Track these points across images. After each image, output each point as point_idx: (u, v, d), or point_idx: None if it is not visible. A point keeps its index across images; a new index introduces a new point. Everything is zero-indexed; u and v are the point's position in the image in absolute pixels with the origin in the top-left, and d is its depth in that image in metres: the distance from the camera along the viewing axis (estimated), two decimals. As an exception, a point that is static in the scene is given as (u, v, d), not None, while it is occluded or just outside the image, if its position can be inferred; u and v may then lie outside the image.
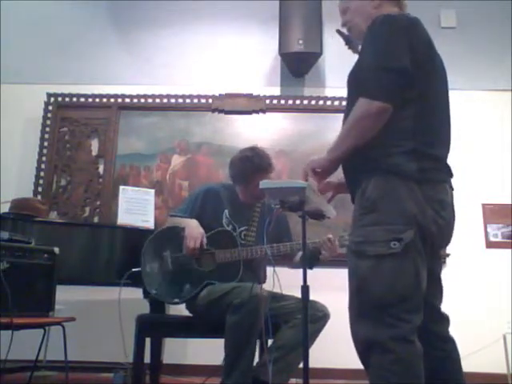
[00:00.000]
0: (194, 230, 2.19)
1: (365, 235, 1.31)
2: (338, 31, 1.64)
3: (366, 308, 1.28)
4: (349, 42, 1.62)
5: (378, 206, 1.31)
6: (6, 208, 2.66)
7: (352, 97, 1.43)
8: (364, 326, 1.27)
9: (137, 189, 3.12)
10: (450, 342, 1.43)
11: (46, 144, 3.73)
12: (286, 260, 2.31)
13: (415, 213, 1.29)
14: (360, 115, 1.34)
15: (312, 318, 1.95)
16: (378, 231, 1.29)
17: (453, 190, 1.43)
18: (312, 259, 2.13)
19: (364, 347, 1.27)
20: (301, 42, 3.52)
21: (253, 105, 3.78)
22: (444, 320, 1.45)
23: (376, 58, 1.35)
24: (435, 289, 1.43)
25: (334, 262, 2.18)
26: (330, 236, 2.16)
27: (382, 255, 1.27)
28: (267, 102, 3.79)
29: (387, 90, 1.31)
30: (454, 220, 1.43)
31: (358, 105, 1.35)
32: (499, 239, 3.53)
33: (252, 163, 2.29)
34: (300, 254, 2.27)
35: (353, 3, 1.58)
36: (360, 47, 1.56)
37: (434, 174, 1.35)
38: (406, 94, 1.33)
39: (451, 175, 1.44)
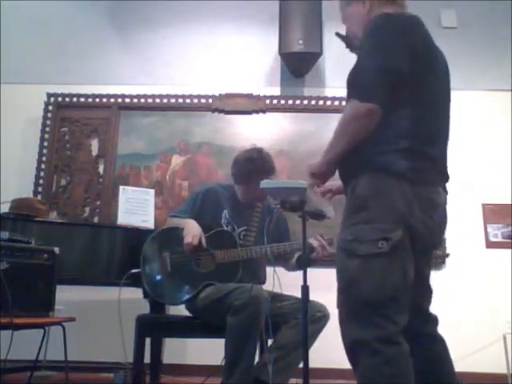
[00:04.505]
0: (192, 228, 2.19)
1: (355, 234, 1.30)
2: (337, 34, 1.64)
3: (353, 307, 1.28)
4: (349, 44, 1.62)
5: (368, 205, 1.30)
6: (6, 208, 2.66)
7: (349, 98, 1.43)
8: (351, 326, 1.27)
9: (137, 189, 3.12)
10: (439, 341, 1.42)
11: (45, 144, 3.73)
12: (281, 262, 2.31)
13: (404, 212, 1.27)
14: (349, 117, 1.34)
15: (312, 318, 1.95)
16: (367, 230, 1.28)
17: (447, 193, 1.42)
18: (307, 259, 2.13)
19: (352, 348, 1.27)
20: (301, 41, 3.52)
21: (253, 105, 3.78)
22: (431, 320, 1.44)
23: (368, 58, 1.34)
24: (423, 290, 1.43)
25: (334, 263, 2.17)
26: (321, 233, 2.18)
27: (370, 254, 1.26)
28: (267, 101, 3.79)
29: (376, 91, 1.29)
30: (445, 222, 1.42)
31: (348, 106, 1.34)
32: (499, 239, 3.53)
33: (255, 165, 2.29)
34: (296, 256, 2.28)
35: (347, 11, 1.60)
36: None
37: (426, 175, 1.34)
38: (401, 94, 1.31)
39: (447, 178, 1.43)
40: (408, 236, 1.28)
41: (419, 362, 1.28)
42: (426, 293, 1.45)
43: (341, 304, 1.32)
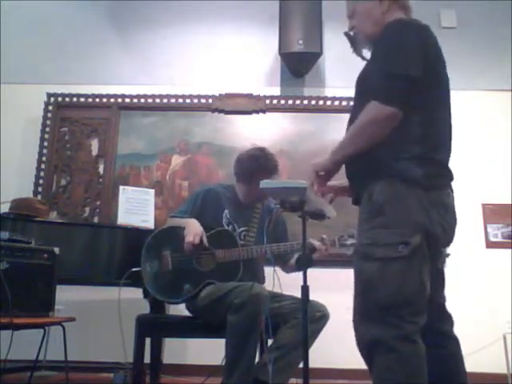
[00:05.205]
0: (194, 227, 2.20)
1: (373, 238, 1.32)
2: (346, 33, 1.62)
3: (370, 310, 1.29)
4: (354, 46, 1.61)
5: (385, 210, 1.32)
6: (6, 208, 2.66)
7: (360, 99, 1.42)
8: (368, 327, 1.28)
9: (137, 189, 3.12)
10: (453, 340, 1.44)
11: (46, 144, 3.73)
12: (279, 263, 2.32)
13: (423, 219, 1.30)
14: (370, 119, 1.34)
15: (311, 318, 1.94)
16: (386, 234, 1.30)
17: (453, 192, 1.45)
18: (307, 260, 2.14)
19: (368, 347, 1.28)
20: (301, 41, 3.52)
21: (253, 105, 3.78)
22: (448, 319, 1.47)
23: (391, 63, 1.35)
24: (439, 286, 1.45)
25: (334, 263, 2.18)
26: (324, 236, 2.18)
27: (388, 258, 1.28)
28: (267, 101, 3.78)
29: (400, 96, 1.31)
30: (456, 223, 1.44)
31: (368, 108, 1.34)
32: (499, 239, 3.53)
33: (258, 164, 2.30)
34: (295, 257, 2.29)
35: (360, 6, 1.56)
36: (363, 51, 1.56)
37: (438, 180, 1.37)
38: (413, 99, 1.33)
39: (452, 179, 1.45)
40: (426, 241, 1.31)
41: (432, 359, 1.29)
42: (440, 288, 1.47)
43: (357, 306, 1.33)
